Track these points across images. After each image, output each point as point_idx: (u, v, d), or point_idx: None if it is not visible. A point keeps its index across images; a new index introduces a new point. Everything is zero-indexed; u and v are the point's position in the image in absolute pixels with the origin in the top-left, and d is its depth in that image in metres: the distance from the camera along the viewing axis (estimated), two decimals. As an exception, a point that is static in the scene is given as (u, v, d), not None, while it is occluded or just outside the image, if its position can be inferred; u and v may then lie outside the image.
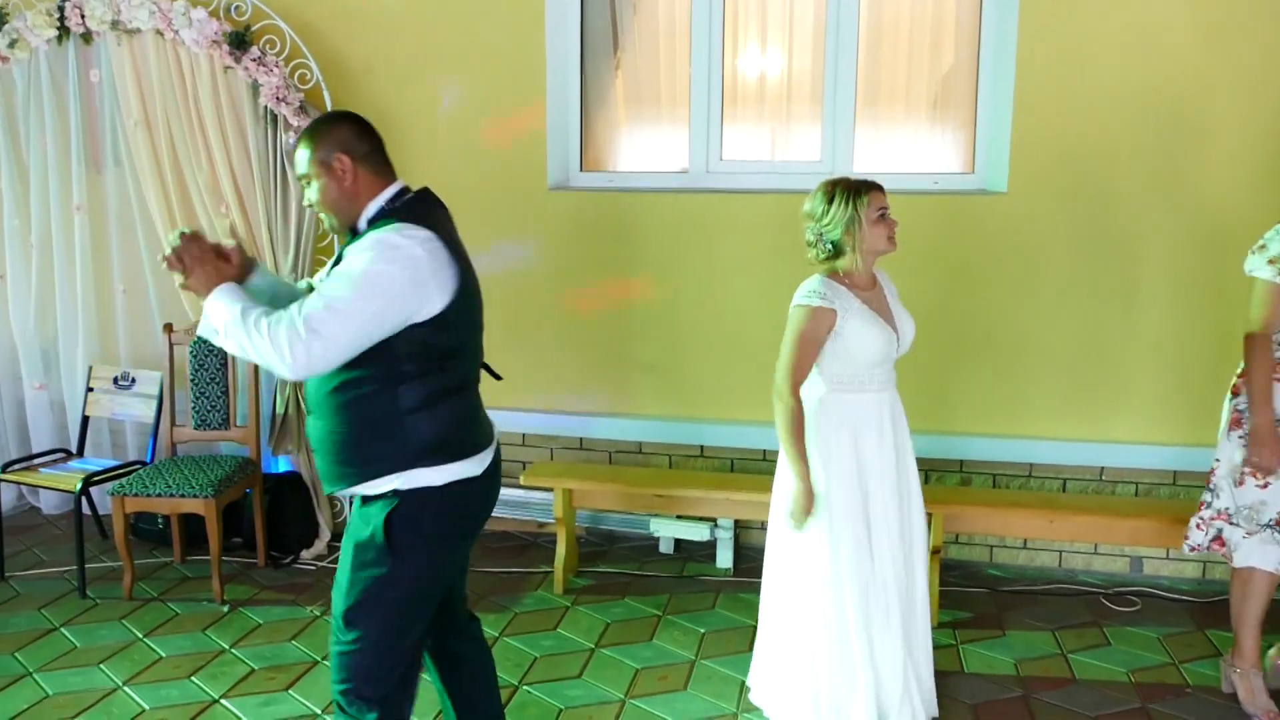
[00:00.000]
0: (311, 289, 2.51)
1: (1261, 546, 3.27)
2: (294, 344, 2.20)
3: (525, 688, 3.57)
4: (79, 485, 4.26)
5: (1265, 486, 3.22)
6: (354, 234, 2.44)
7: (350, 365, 2.31)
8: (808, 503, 3.01)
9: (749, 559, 4.58)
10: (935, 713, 3.29)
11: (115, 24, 4.52)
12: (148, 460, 4.65)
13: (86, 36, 4.62)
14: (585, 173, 4.87)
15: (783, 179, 4.59)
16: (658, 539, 4.79)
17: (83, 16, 4.54)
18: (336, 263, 2.36)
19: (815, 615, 3.11)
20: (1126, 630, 3.99)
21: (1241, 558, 3.31)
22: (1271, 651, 3.51)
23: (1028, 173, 4.29)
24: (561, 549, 4.38)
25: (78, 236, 4.87)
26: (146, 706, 3.43)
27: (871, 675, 3.10)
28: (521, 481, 4.47)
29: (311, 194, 2.46)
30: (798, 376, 3.04)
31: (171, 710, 3.41)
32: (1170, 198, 4.19)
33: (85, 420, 4.79)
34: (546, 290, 4.80)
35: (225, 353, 4.51)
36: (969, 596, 4.28)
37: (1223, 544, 3.36)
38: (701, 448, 4.75)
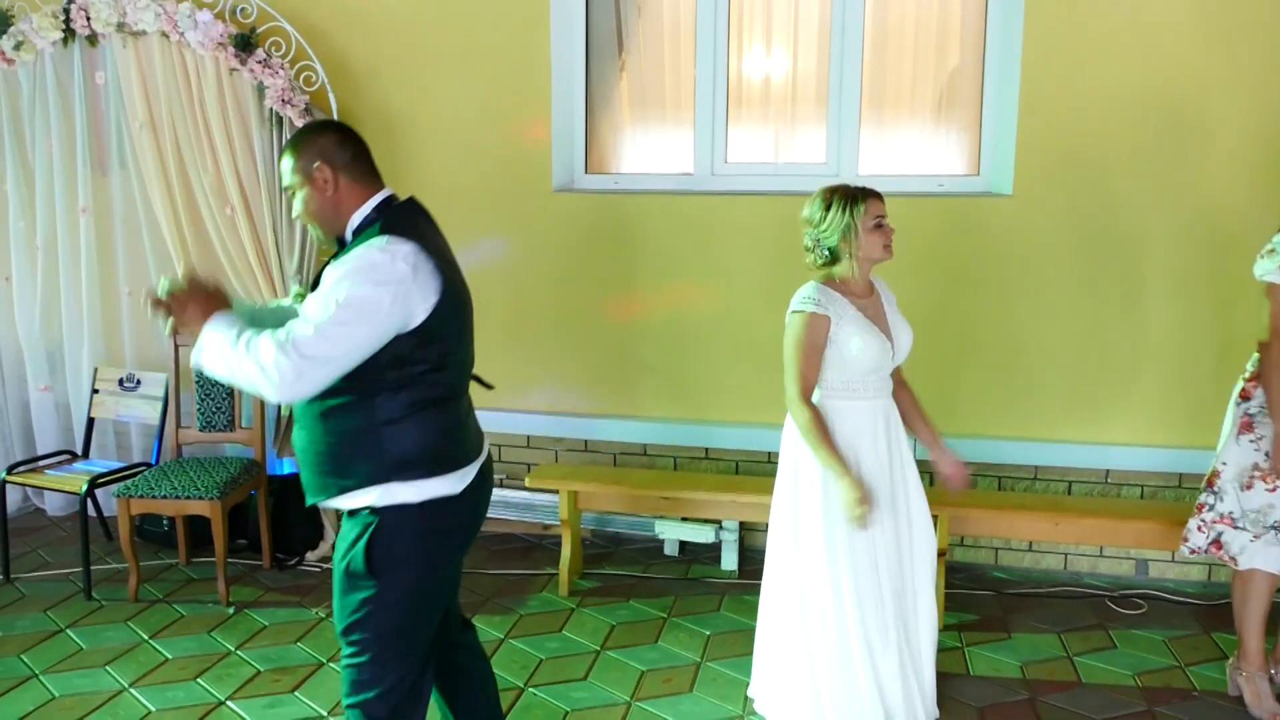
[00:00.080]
0: (303, 296, 2.50)
1: (1265, 549, 3.27)
2: (281, 368, 2.17)
3: (531, 690, 3.57)
4: (85, 487, 4.26)
5: (1275, 490, 3.22)
6: (340, 244, 2.42)
7: None
8: (861, 494, 2.92)
9: (754, 561, 4.57)
10: (936, 714, 3.28)
11: (121, 26, 4.53)
12: (153, 462, 4.65)
13: (92, 39, 4.63)
14: (590, 175, 4.88)
15: (788, 181, 4.59)
16: (663, 541, 4.79)
17: (88, 19, 4.55)
18: (317, 281, 2.34)
19: (815, 620, 3.11)
20: (1132, 633, 3.99)
21: (1245, 560, 3.31)
22: None
23: (1033, 175, 4.28)
24: (566, 551, 4.38)
25: (83, 239, 4.87)
26: (153, 708, 3.43)
27: (873, 677, 3.10)
28: (527, 484, 4.48)
29: (296, 205, 2.44)
30: (807, 384, 3.04)
31: (178, 712, 3.41)
32: (1175, 199, 4.18)
33: (90, 422, 4.80)
34: (551, 292, 4.80)
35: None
36: (974, 599, 4.28)
37: (1220, 547, 3.35)
38: (706, 450, 4.75)
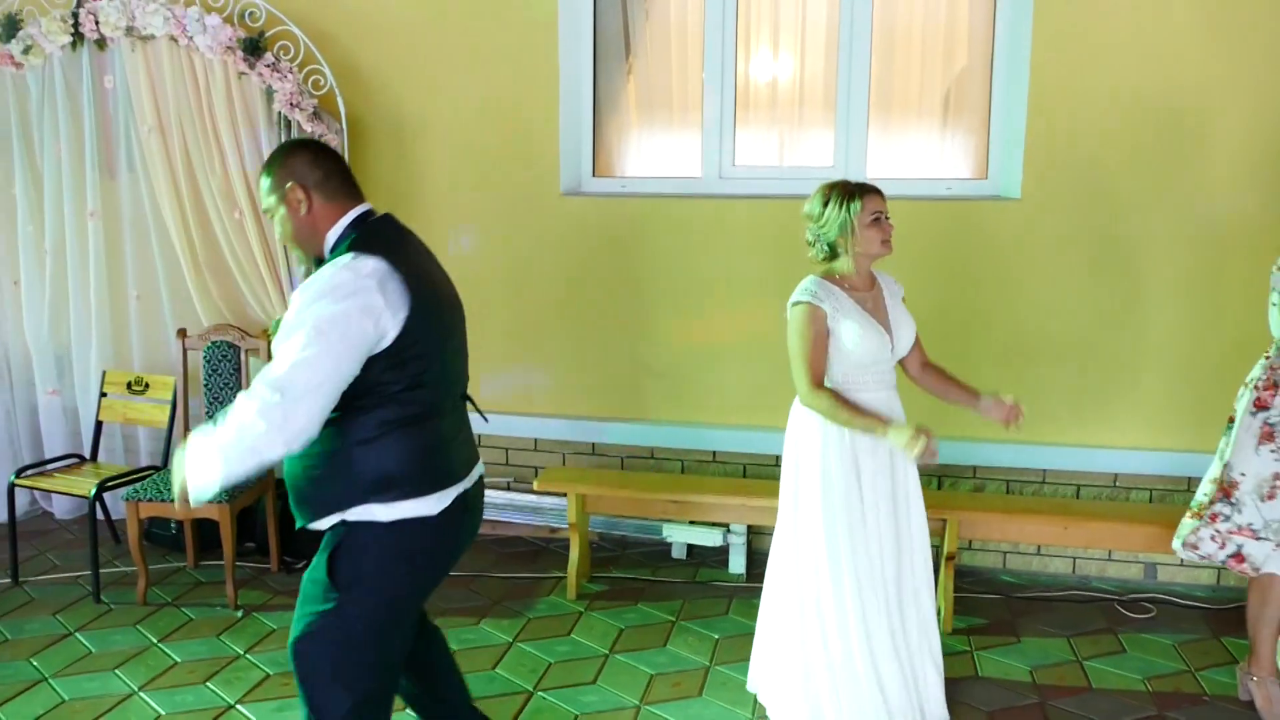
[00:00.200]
0: None
1: None
2: (266, 414, 2.11)
3: (540, 693, 3.57)
4: (93, 490, 4.27)
5: None
6: (320, 265, 2.36)
7: None
8: (911, 431, 2.86)
9: (762, 564, 4.52)
10: (945, 716, 3.28)
11: (129, 30, 4.54)
12: (161, 465, 4.65)
13: (101, 43, 4.64)
14: (597, 178, 4.88)
15: (795, 185, 4.58)
16: (670, 544, 4.79)
17: (97, 23, 4.55)
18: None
19: (815, 619, 3.14)
20: (1141, 637, 3.98)
21: (1268, 566, 3.29)
22: None
23: (1041, 179, 4.28)
24: (574, 554, 4.38)
25: (91, 242, 4.88)
26: (162, 712, 3.43)
27: (874, 676, 3.12)
28: (535, 487, 4.48)
29: (275, 227, 2.41)
30: (816, 374, 3.06)
31: (187, 716, 3.41)
32: (1183, 203, 4.18)
33: (99, 425, 4.80)
34: (558, 295, 4.80)
35: (239, 357, 4.53)
36: (983, 603, 4.27)
37: (1242, 560, 3.32)
38: (714, 453, 4.75)
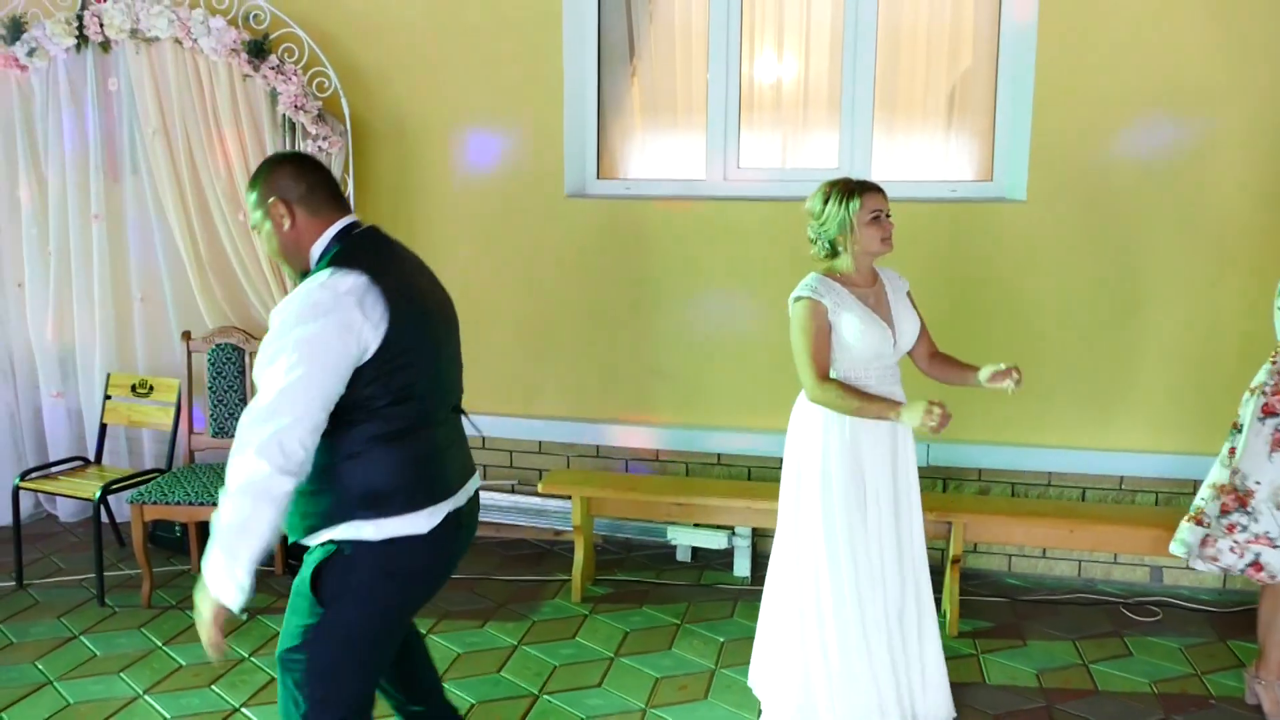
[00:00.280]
0: None
1: None
2: (267, 450, 2.07)
3: (546, 697, 3.56)
4: (98, 493, 4.26)
5: None
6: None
7: None
8: (923, 406, 2.84)
9: (766, 567, 4.55)
10: (953, 715, 3.29)
11: (134, 33, 4.54)
12: (166, 468, 4.65)
13: (105, 45, 4.64)
14: (602, 180, 4.87)
15: (800, 186, 4.54)
16: (675, 547, 4.78)
17: (101, 25, 4.55)
18: None
19: (814, 618, 3.15)
20: (1147, 640, 3.97)
21: None
22: None
23: (1047, 181, 4.28)
24: (579, 557, 4.37)
25: (95, 245, 4.87)
26: (167, 715, 3.43)
27: (871, 675, 3.14)
28: (539, 489, 4.47)
29: (262, 243, 2.39)
30: (821, 368, 3.07)
31: (192, 719, 3.41)
32: (1189, 205, 4.17)
33: (103, 428, 4.80)
34: (563, 297, 4.80)
35: (243, 360, 4.53)
36: (988, 606, 4.27)
37: (1260, 568, 3.29)
38: (718, 455, 4.74)
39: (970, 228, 4.39)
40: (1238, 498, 3.32)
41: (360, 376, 2.20)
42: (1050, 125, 4.24)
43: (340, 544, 2.26)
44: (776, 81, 4.76)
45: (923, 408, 2.85)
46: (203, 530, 4.57)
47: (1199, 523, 3.42)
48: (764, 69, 4.74)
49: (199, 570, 4.52)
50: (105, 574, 4.34)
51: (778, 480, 4.53)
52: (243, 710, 3.47)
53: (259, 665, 3.76)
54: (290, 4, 4.63)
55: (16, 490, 4.47)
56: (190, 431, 4.63)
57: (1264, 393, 3.27)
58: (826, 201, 3.10)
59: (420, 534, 2.28)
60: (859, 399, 3.01)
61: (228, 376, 4.54)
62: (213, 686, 3.62)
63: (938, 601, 4.10)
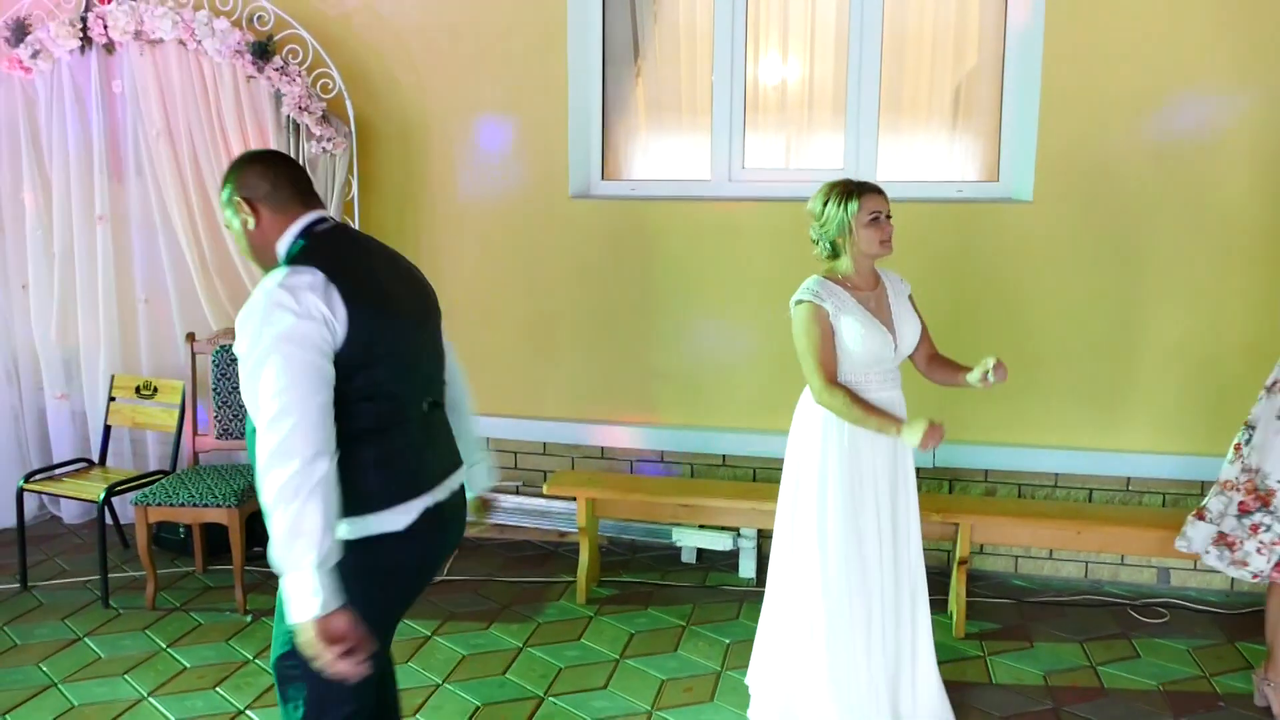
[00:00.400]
0: None
1: None
2: (286, 450, 2.02)
3: (551, 699, 3.55)
4: (102, 494, 4.26)
5: None
6: None
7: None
8: (920, 426, 2.84)
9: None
10: (950, 716, 3.29)
11: (138, 34, 4.54)
12: (170, 470, 4.64)
13: (109, 47, 4.64)
14: (607, 181, 4.87)
15: (805, 187, 4.51)
16: (680, 549, 4.77)
17: (105, 27, 4.56)
18: None
19: (804, 614, 3.15)
20: (1155, 642, 3.96)
21: None
22: None
23: (1053, 181, 4.26)
24: (584, 558, 4.36)
25: (100, 247, 4.87)
26: (172, 717, 3.42)
27: (867, 676, 3.13)
28: (544, 490, 4.46)
29: (235, 243, 2.39)
30: (828, 371, 3.05)
31: (197, 721, 3.41)
32: (1195, 205, 4.15)
33: (107, 430, 4.79)
34: (568, 298, 4.79)
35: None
36: (995, 607, 4.25)
37: None
38: (724, 456, 4.73)
39: (976, 228, 4.38)
40: (1259, 497, 3.28)
41: None
42: (1057, 125, 4.23)
43: None
44: (781, 82, 4.75)
45: (923, 429, 2.84)
46: (206, 532, 4.58)
47: (1200, 517, 3.41)
48: (769, 69, 4.74)
49: (203, 571, 4.55)
50: (109, 576, 4.33)
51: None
52: (247, 712, 3.46)
53: (262, 667, 3.75)
54: (294, 5, 4.63)
55: (21, 492, 4.47)
56: (194, 433, 4.63)
57: None
58: (826, 203, 3.09)
59: (397, 531, 2.25)
60: (863, 410, 2.99)
61: (232, 378, 4.53)
62: (217, 689, 3.61)
63: (944, 603, 4.13)
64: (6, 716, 3.43)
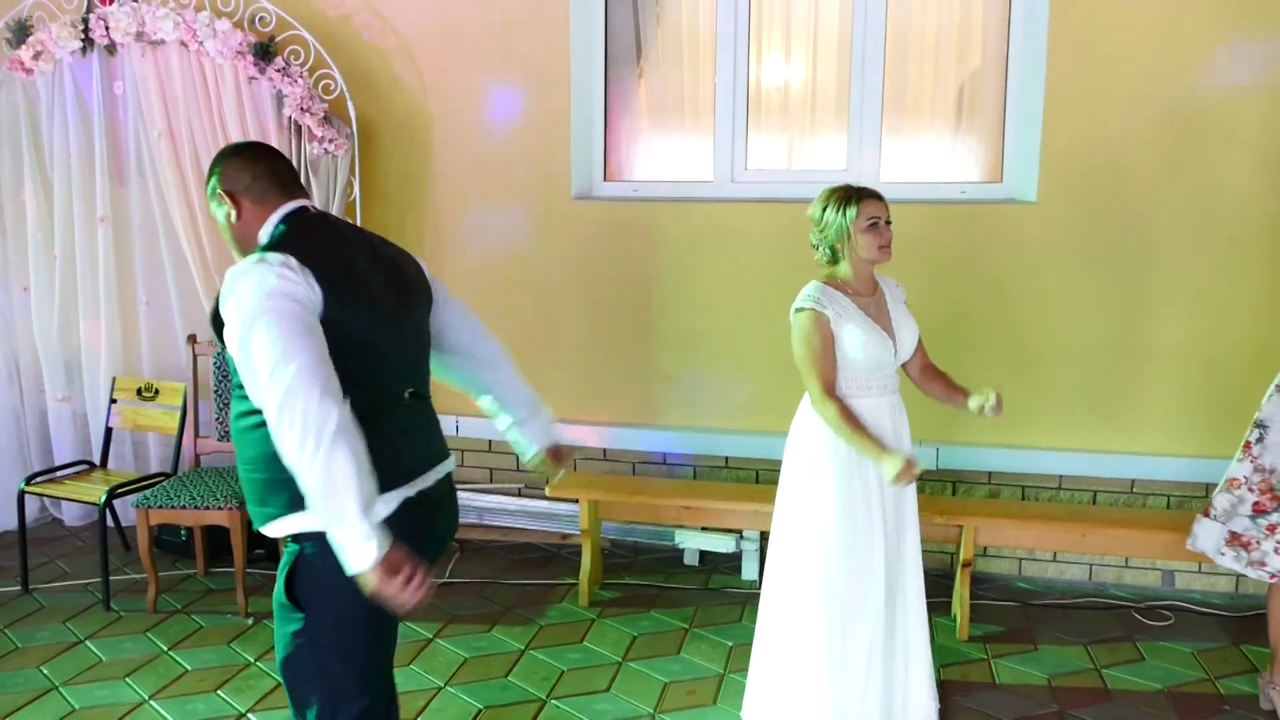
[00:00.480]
0: None
1: None
2: (292, 400, 1.97)
3: (553, 701, 3.54)
4: (104, 497, 4.25)
5: None
6: None
7: (242, 392, 2.16)
8: (903, 464, 2.84)
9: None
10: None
11: (140, 35, 4.53)
12: (171, 472, 4.63)
13: (111, 48, 4.64)
14: (609, 182, 4.86)
15: (808, 188, 4.50)
16: (682, 551, 4.75)
17: (107, 28, 4.55)
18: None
19: (800, 617, 3.13)
20: (1160, 645, 3.94)
21: None
22: None
23: (1057, 182, 4.25)
24: (587, 560, 4.35)
25: (101, 248, 4.86)
26: (173, 721, 3.42)
27: (863, 677, 3.11)
28: (547, 492, 4.45)
29: (221, 234, 2.37)
30: (827, 380, 3.04)
31: (198, 724, 3.40)
32: (1200, 206, 4.14)
33: (108, 432, 4.78)
34: (569, 299, 4.78)
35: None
36: (999, 610, 4.24)
37: None
38: (726, 458, 4.72)
39: (980, 229, 4.37)
40: (1276, 497, 3.26)
41: None
42: (1061, 126, 4.22)
43: (301, 544, 2.23)
44: (784, 83, 4.74)
45: (901, 466, 2.84)
46: (208, 534, 4.56)
47: (1207, 514, 3.40)
48: (771, 70, 4.73)
49: (205, 574, 4.53)
50: (111, 578, 4.32)
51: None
52: (249, 715, 3.44)
53: (264, 670, 3.74)
54: (296, 6, 4.62)
55: (22, 494, 4.45)
56: (196, 435, 4.62)
57: None
58: (825, 208, 3.08)
59: (384, 519, 2.18)
60: (852, 429, 2.97)
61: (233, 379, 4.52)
62: (218, 691, 3.60)
63: (948, 605, 4.12)
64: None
